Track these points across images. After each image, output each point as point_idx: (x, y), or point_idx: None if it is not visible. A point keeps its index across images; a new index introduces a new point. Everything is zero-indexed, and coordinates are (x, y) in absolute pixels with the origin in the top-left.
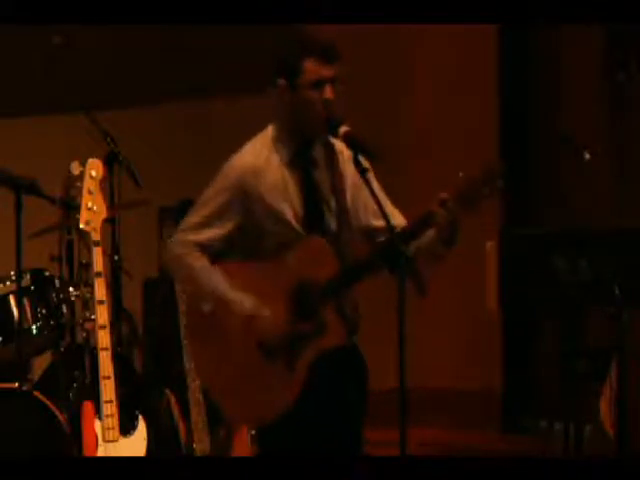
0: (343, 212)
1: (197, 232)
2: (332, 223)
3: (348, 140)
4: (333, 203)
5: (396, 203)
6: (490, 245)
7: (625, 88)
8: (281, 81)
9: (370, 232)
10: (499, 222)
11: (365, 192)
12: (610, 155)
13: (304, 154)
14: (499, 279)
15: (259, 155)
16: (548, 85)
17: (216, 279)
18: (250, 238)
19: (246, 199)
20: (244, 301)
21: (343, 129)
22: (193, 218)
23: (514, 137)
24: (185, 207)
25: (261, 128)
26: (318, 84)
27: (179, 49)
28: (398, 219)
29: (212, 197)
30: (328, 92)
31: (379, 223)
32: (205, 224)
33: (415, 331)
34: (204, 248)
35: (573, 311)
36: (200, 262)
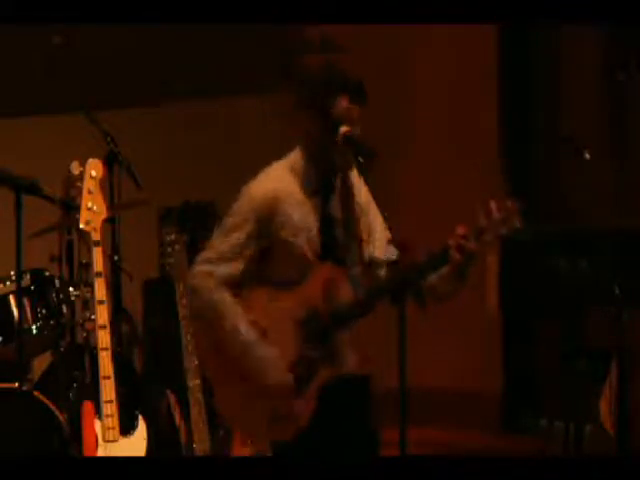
0: (356, 241)
1: (217, 265)
2: (346, 253)
3: (348, 140)
4: (348, 233)
5: (396, 203)
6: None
7: (625, 88)
8: (311, 112)
9: (372, 263)
10: None
11: (370, 220)
12: (610, 155)
13: (326, 185)
14: (499, 279)
15: (281, 180)
16: (548, 85)
17: (240, 322)
18: (267, 262)
19: (266, 226)
20: (267, 357)
21: (343, 129)
22: (210, 253)
23: (514, 137)
24: (187, 209)
25: (260, 128)
26: (345, 121)
27: (179, 49)
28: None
29: (232, 229)
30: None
31: (380, 254)
32: (226, 259)
33: (415, 331)
34: (225, 282)
35: (573, 311)
36: (224, 299)
